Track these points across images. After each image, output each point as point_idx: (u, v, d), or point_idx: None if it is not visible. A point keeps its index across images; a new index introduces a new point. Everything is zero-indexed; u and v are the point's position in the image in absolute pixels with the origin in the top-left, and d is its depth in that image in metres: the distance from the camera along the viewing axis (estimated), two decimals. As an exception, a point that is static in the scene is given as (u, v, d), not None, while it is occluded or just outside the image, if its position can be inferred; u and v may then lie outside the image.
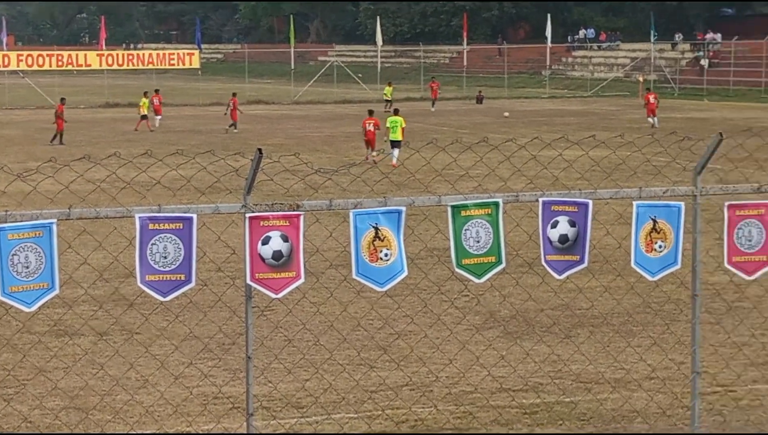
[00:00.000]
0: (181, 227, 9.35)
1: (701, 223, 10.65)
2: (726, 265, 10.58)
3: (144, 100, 59.43)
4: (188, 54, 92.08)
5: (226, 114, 58.48)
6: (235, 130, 55.70)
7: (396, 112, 42.47)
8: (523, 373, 14.38)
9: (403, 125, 40.65)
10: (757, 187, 10.75)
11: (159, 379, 14.09)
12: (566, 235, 10.03)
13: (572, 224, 10.05)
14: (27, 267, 8.98)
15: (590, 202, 10.07)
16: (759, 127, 44.95)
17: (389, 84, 77.50)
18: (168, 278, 9.37)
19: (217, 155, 10.49)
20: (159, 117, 59.62)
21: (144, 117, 58.36)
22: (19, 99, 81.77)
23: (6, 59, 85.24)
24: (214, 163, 11.06)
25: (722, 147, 10.38)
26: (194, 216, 9.38)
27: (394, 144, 38.29)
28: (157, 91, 62.31)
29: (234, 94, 59.33)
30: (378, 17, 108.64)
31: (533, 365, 14.56)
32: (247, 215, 9.49)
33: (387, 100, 73.00)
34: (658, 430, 12.15)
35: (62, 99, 55.60)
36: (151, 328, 16.17)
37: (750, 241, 10.45)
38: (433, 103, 76.83)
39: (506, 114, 66.74)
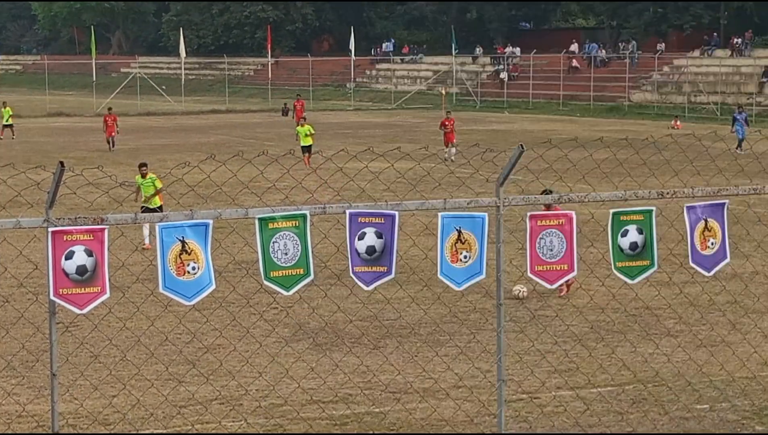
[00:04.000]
0: (-18, 243, 9.11)
1: (504, 233, 10.85)
2: (529, 274, 10.81)
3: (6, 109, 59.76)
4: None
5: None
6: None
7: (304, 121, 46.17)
8: (333, 384, 14.43)
9: (312, 132, 44.29)
10: (557, 197, 11.00)
11: (-41, 400, 13.67)
12: (373, 246, 10.11)
13: (379, 236, 10.13)
14: None
15: (397, 213, 10.17)
16: (558, 139, 45.99)
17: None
18: (-32, 295, 9.13)
19: (18, 168, 10.26)
20: None
21: None
22: None
23: None
24: (14, 177, 10.82)
25: (523, 158, 10.60)
26: (-5, 231, 9.15)
27: (305, 148, 42.59)
28: None
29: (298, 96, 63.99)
30: (181, 29, 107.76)
31: (343, 376, 14.62)
32: (50, 229, 9.30)
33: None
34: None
35: (109, 108, 57.99)
36: (-51, 347, 15.70)
37: (551, 250, 10.69)
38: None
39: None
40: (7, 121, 59.53)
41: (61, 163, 9.25)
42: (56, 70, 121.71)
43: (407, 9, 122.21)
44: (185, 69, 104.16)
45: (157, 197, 25.86)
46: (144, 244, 24.09)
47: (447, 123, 47.12)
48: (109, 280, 9.52)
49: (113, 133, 53.22)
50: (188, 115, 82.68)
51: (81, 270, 9.35)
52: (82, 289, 9.41)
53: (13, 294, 18.36)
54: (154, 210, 25.17)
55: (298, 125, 46.19)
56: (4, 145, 55.63)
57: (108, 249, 9.48)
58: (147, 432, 12.63)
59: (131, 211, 12.53)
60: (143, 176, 26.24)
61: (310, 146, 42.65)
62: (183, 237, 9.56)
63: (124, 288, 17.92)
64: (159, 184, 26.27)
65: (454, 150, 43.45)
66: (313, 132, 44.05)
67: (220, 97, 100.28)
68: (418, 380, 14.65)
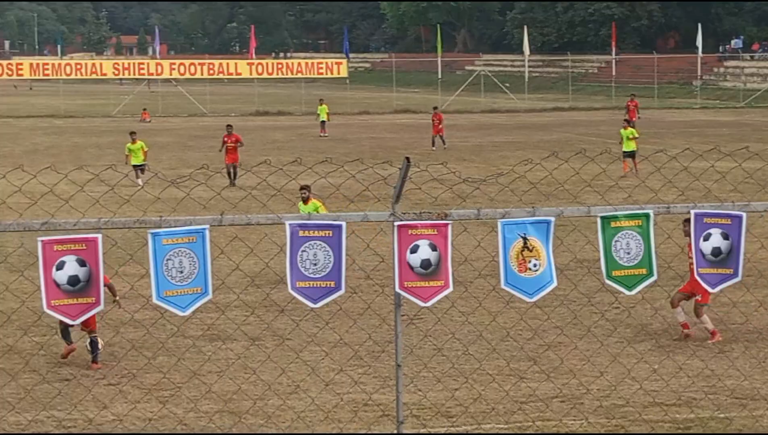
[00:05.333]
0: (331, 235, 9.41)
1: None
2: None
3: (322, 107, 61.52)
4: (336, 63, 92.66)
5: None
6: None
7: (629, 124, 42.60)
8: (676, 387, 14.13)
9: (636, 135, 40.51)
10: None
11: (310, 385, 14.21)
12: (719, 247, 9.85)
13: (725, 237, 9.86)
14: (181, 272, 9.15)
15: (744, 214, 9.87)
16: None
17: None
18: (318, 285, 9.44)
19: (366, 163, 10.55)
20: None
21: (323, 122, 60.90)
22: (172, 107, 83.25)
23: (159, 68, 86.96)
24: (362, 172, 11.15)
25: None
26: (343, 223, 9.44)
27: (627, 154, 39.27)
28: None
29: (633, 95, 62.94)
30: (525, 26, 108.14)
31: (686, 380, 14.30)
32: (396, 223, 9.51)
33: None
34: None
35: (435, 107, 56.12)
36: (302, 334, 16.34)
37: None
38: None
39: None
40: (323, 118, 61.19)
41: (407, 158, 9.44)
42: (403, 68, 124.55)
43: (757, 5, 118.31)
44: (529, 66, 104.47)
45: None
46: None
47: None
48: (452, 274, 9.65)
49: (439, 132, 52.21)
50: (531, 112, 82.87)
51: (425, 264, 9.53)
52: (426, 282, 9.58)
53: (361, 285, 18.91)
54: None
55: (623, 127, 42.45)
56: (353, 141, 57.26)
57: (451, 244, 9.61)
58: (488, 426, 12.72)
59: (474, 207, 12.60)
60: (305, 202, 20.27)
61: (633, 152, 39.28)
62: (525, 234, 9.59)
63: (466, 283, 18.15)
64: (324, 212, 19.92)
65: None
66: (637, 135, 40.62)
67: (562, 94, 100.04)
68: (765, 387, 14.16)
